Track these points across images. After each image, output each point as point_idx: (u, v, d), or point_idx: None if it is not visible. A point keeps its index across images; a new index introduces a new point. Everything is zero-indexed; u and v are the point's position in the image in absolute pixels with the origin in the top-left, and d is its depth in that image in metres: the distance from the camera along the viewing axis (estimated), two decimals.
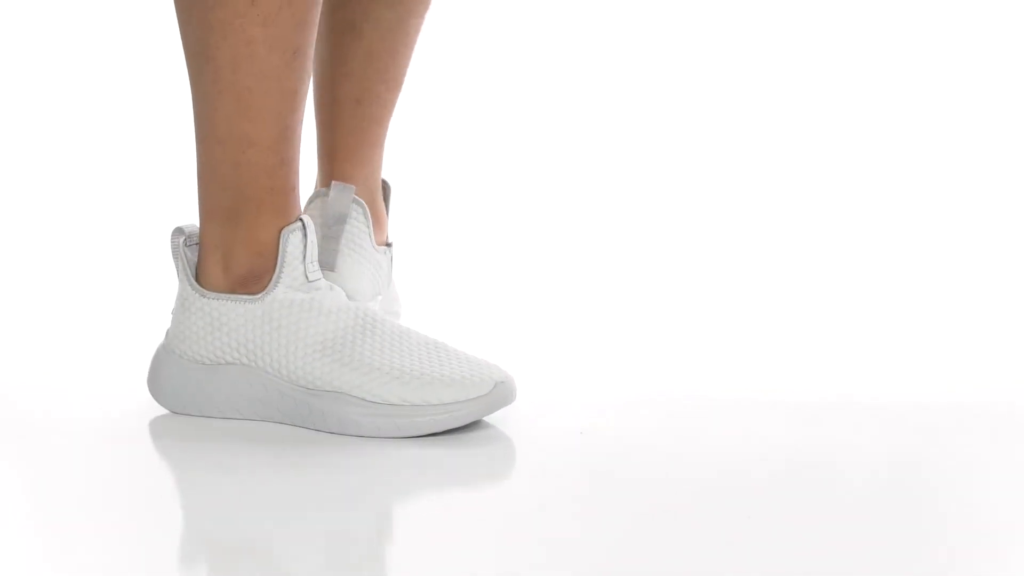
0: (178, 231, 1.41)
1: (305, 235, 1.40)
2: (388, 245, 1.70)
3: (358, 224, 1.60)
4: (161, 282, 1.69)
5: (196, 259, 1.42)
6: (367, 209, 1.62)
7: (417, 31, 1.65)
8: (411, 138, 2.59)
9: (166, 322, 1.44)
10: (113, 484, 1.26)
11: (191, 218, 1.44)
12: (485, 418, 1.42)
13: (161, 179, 2.48)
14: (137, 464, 1.31)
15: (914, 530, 1.16)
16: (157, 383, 1.42)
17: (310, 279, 1.40)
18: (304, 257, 1.40)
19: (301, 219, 1.40)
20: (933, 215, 2.46)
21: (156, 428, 1.39)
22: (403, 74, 1.65)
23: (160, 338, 1.45)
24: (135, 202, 2.44)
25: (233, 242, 1.40)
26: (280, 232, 1.39)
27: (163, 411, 1.43)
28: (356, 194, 1.62)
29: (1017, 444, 1.40)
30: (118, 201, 2.46)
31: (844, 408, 1.48)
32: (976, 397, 1.55)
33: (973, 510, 1.21)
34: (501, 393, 1.37)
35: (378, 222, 1.68)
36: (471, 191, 2.53)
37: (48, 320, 1.91)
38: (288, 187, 1.40)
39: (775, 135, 2.65)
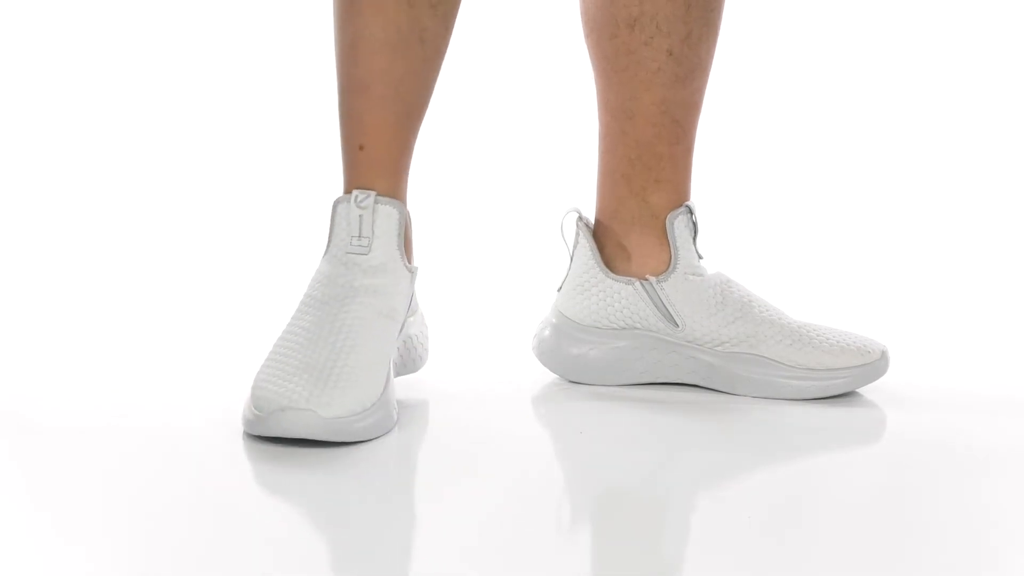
0: None
1: (349, 210, 1.41)
2: None
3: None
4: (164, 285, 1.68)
5: None
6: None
7: None
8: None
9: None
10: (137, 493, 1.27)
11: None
12: (486, 418, 1.43)
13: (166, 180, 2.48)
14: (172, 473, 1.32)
15: (912, 534, 1.16)
16: None
17: (351, 251, 1.41)
18: (347, 230, 1.40)
19: (356, 191, 1.40)
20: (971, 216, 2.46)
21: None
22: None
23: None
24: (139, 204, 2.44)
25: None
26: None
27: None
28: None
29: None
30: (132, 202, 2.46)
31: (847, 406, 1.48)
32: (980, 393, 1.56)
33: (977, 517, 1.21)
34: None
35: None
36: (470, 193, 2.52)
37: (48, 321, 1.91)
38: (351, 146, 1.42)
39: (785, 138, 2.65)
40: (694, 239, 1.54)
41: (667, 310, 1.52)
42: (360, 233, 1.41)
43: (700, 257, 1.54)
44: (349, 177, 1.43)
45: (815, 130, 2.63)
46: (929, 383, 1.57)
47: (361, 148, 1.42)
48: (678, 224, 1.53)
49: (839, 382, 1.50)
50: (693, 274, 1.53)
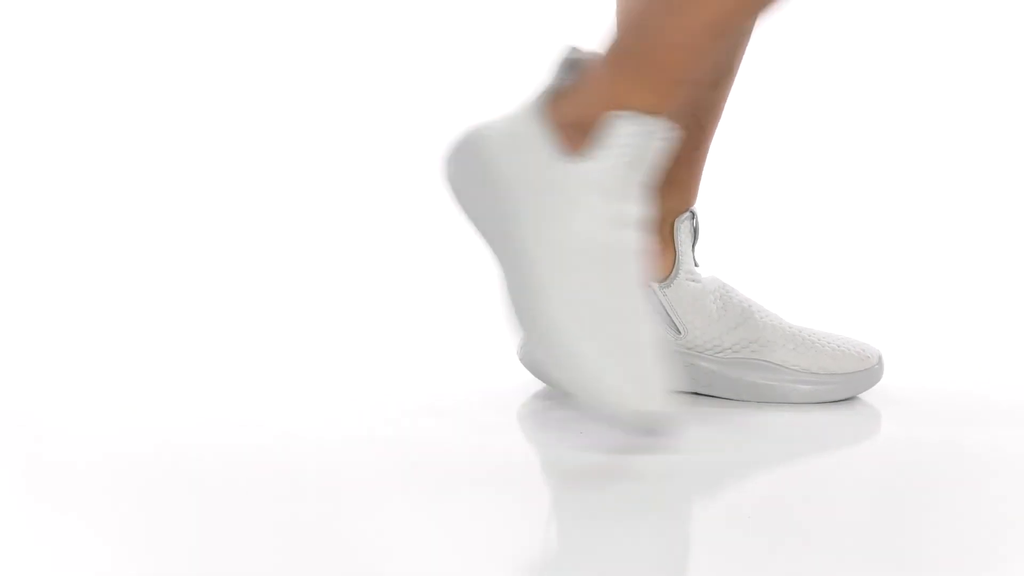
0: None
1: None
2: None
3: None
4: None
5: None
6: None
7: None
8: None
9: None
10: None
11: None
12: (484, 418, 1.43)
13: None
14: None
15: (913, 535, 1.16)
16: None
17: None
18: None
19: None
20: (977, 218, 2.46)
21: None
22: None
23: None
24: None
25: None
26: None
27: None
28: None
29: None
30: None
31: (843, 409, 1.48)
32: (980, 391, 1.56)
33: (977, 517, 1.21)
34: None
35: None
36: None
37: (50, 321, 1.91)
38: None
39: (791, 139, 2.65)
40: (693, 245, 1.53)
41: (669, 317, 1.50)
42: None
43: (696, 264, 1.52)
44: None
45: (806, 131, 2.63)
46: (921, 385, 1.57)
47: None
48: (683, 229, 1.51)
49: (840, 387, 1.49)
50: (692, 280, 1.50)
